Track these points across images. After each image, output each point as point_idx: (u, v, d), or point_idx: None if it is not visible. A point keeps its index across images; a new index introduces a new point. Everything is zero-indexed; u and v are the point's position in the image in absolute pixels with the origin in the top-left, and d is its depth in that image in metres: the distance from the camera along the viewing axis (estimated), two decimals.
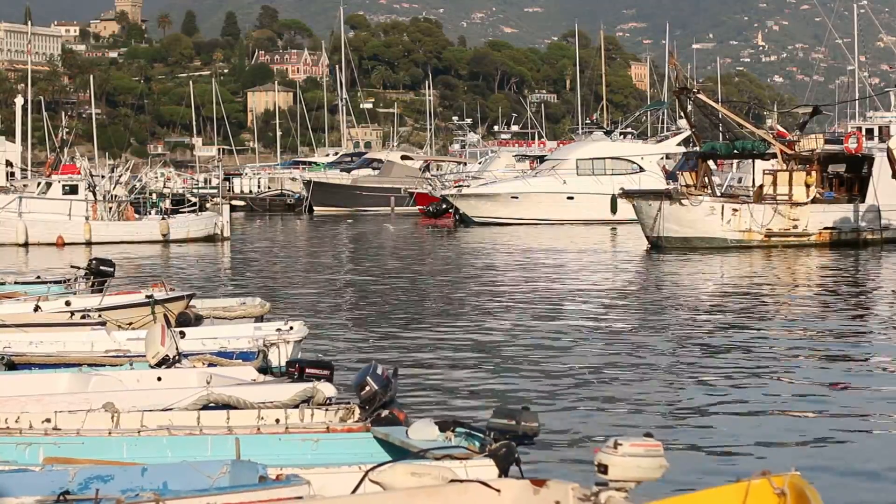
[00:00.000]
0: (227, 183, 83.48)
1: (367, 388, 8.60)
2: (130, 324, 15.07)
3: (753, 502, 5.45)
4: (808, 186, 41.37)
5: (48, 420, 8.51)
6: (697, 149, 45.29)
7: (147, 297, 16.17)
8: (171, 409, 8.92)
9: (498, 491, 6.10)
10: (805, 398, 14.26)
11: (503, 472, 6.89)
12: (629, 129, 73.83)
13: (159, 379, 10.70)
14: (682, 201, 40.84)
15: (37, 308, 15.90)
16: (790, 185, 41.40)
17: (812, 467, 10.36)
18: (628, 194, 43.83)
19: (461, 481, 6.25)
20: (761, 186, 43.13)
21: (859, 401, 14.02)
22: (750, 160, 49.64)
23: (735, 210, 40.96)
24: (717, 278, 32.11)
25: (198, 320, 14.68)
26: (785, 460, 10.42)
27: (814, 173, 41.56)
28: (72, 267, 20.51)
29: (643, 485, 5.90)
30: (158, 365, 11.15)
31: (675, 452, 6.04)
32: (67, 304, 16.37)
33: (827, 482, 9.89)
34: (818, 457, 11.25)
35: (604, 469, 5.91)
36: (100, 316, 15.06)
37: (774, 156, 43.20)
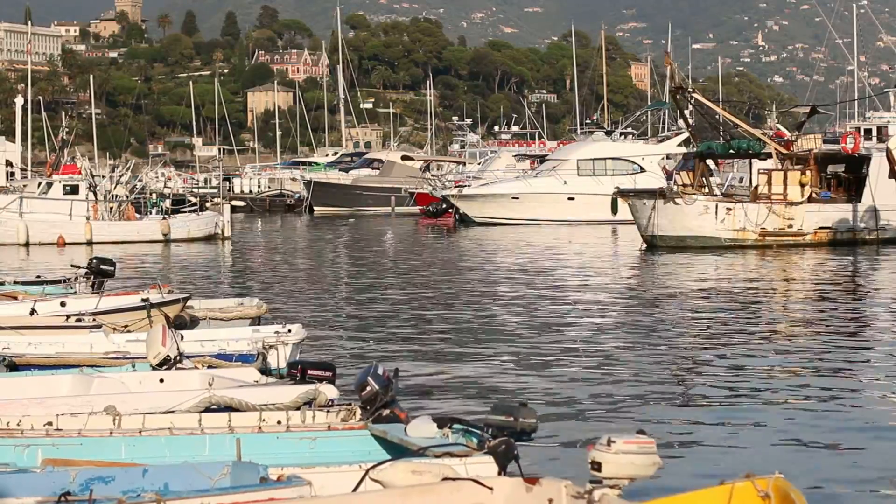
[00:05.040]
0: (227, 183, 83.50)
1: (368, 389, 8.63)
2: (126, 327, 15.10)
3: None
4: (802, 186, 41.43)
5: (49, 423, 8.55)
6: (695, 149, 45.41)
7: (143, 300, 16.13)
8: (172, 412, 8.97)
9: (490, 489, 6.15)
10: (793, 401, 14.30)
11: (503, 469, 6.91)
12: (630, 130, 73.86)
13: (161, 381, 10.74)
14: (676, 200, 40.92)
15: (33, 311, 15.91)
16: (785, 184, 41.48)
17: (796, 470, 10.41)
18: (623, 193, 43.97)
19: (454, 479, 6.30)
20: (757, 186, 43.22)
21: (848, 404, 14.06)
22: (749, 160, 49.71)
23: (729, 209, 41.04)
24: (709, 278, 32.13)
25: (193, 323, 14.71)
26: (769, 463, 10.49)
27: (809, 173, 41.62)
28: (72, 266, 20.53)
29: (631, 483, 5.95)
30: (160, 365, 11.20)
31: (661, 452, 6.09)
32: (63, 304, 16.39)
33: (812, 485, 9.94)
34: (803, 460, 11.27)
35: (597, 466, 5.93)
36: (94, 320, 15.06)
37: (770, 155, 43.30)
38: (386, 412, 8.55)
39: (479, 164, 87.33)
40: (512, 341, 19.25)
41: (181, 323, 14.45)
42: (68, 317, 15.33)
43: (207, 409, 9.07)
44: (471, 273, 33.53)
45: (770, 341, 19.51)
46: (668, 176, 58.04)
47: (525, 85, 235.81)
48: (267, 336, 13.40)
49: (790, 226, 41.29)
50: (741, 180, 64.14)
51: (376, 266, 37.35)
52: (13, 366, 11.86)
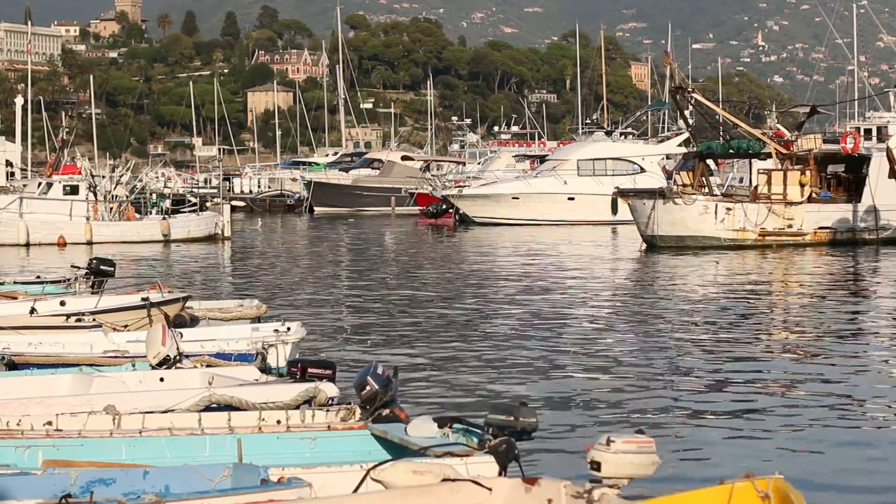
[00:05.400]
0: (227, 183, 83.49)
1: (368, 388, 8.64)
2: (126, 326, 15.12)
3: None
4: (802, 186, 41.46)
5: (49, 423, 8.56)
6: (695, 148, 45.43)
7: (143, 299, 16.17)
8: (172, 411, 8.98)
9: (490, 489, 6.16)
10: (794, 401, 14.31)
11: (503, 469, 6.92)
12: (630, 130, 73.84)
13: (162, 380, 10.75)
14: (676, 200, 40.96)
15: (32, 310, 15.92)
16: (784, 184, 41.51)
17: (796, 471, 10.40)
18: (623, 193, 44.02)
19: (453, 480, 6.31)
20: (757, 186, 43.26)
21: (849, 405, 14.06)
22: (749, 160, 49.72)
23: (729, 209, 41.07)
24: (708, 278, 32.15)
25: (193, 322, 14.72)
26: (769, 463, 10.50)
27: (808, 172, 41.65)
28: (72, 267, 20.55)
29: (631, 482, 5.96)
30: (160, 365, 11.21)
31: (661, 452, 6.09)
32: (62, 304, 16.39)
33: (811, 486, 9.94)
34: (803, 460, 11.28)
35: (596, 466, 5.95)
36: (93, 319, 15.07)
37: (770, 155, 43.33)
38: (386, 412, 8.56)
39: (479, 164, 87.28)
40: (511, 341, 19.26)
41: (181, 322, 14.46)
42: (68, 316, 15.34)
43: (207, 408, 9.08)
44: (470, 273, 33.54)
45: (770, 341, 19.52)
46: (668, 176, 58.07)
47: (525, 85, 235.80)
48: (266, 335, 13.40)
49: (790, 226, 41.31)
50: (741, 180, 64.11)
51: (376, 266, 37.35)
52: (12, 365, 11.86)
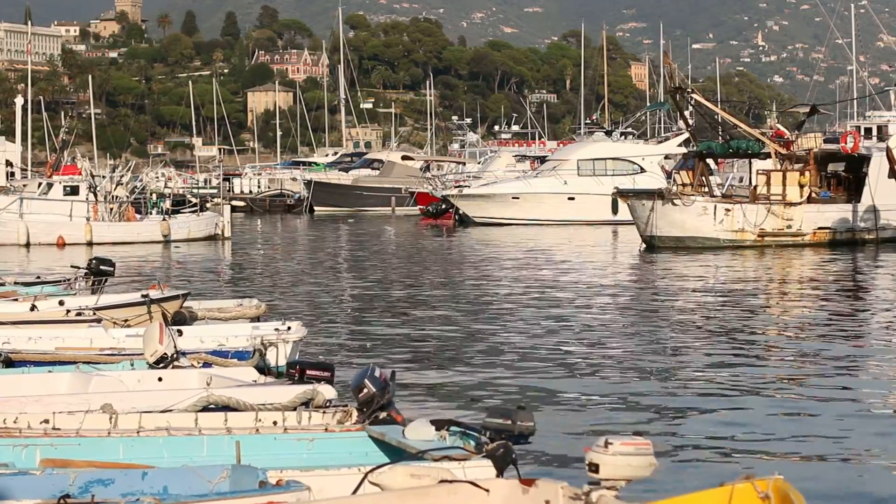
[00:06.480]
0: (227, 183, 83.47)
1: (365, 391, 8.63)
2: (126, 320, 15.13)
3: None
4: (801, 186, 41.45)
5: (46, 420, 8.57)
6: (695, 148, 45.43)
7: (143, 295, 16.23)
8: (169, 411, 8.98)
9: (487, 491, 6.14)
10: (794, 402, 14.31)
11: (500, 473, 6.91)
12: (630, 130, 73.84)
13: (160, 380, 10.75)
14: (675, 201, 40.98)
15: (33, 307, 15.95)
16: (784, 184, 41.50)
17: (796, 472, 10.40)
18: (623, 194, 44.07)
19: (450, 482, 6.30)
20: (756, 186, 43.25)
21: (849, 405, 14.06)
22: (748, 160, 49.70)
23: (728, 210, 41.07)
24: (707, 279, 32.11)
25: (193, 319, 14.74)
26: (769, 464, 10.49)
27: (808, 173, 41.63)
28: (72, 266, 20.55)
29: (630, 484, 5.96)
30: (157, 363, 11.21)
31: (660, 454, 6.09)
32: (61, 303, 16.41)
33: (812, 486, 9.93)
34: (803, 461, 11.28)
35: (595, 468, 5.95)
36: (94, 314, 15.10)
37: (770, 155, 43.32)
38: (383, 414, 8.54)
39: (479, 164, 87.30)
40: (509, 343, 19.25)
41: (181, 319, 14.48)
42: (67, 311, 15.37)
43: (205, 409, 9.08)
44: (470, 274, 33.53)
45: (769, 342, 19.51)
46: (668, 176, 58.06)
47: (525, 85, 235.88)
48: (266, 333, 13.41)
49: (789, 226, 41.30)
50: (741, 180, 64.10)
51: (376, 267, 37.34)
52: (9, 361, 11.86)
